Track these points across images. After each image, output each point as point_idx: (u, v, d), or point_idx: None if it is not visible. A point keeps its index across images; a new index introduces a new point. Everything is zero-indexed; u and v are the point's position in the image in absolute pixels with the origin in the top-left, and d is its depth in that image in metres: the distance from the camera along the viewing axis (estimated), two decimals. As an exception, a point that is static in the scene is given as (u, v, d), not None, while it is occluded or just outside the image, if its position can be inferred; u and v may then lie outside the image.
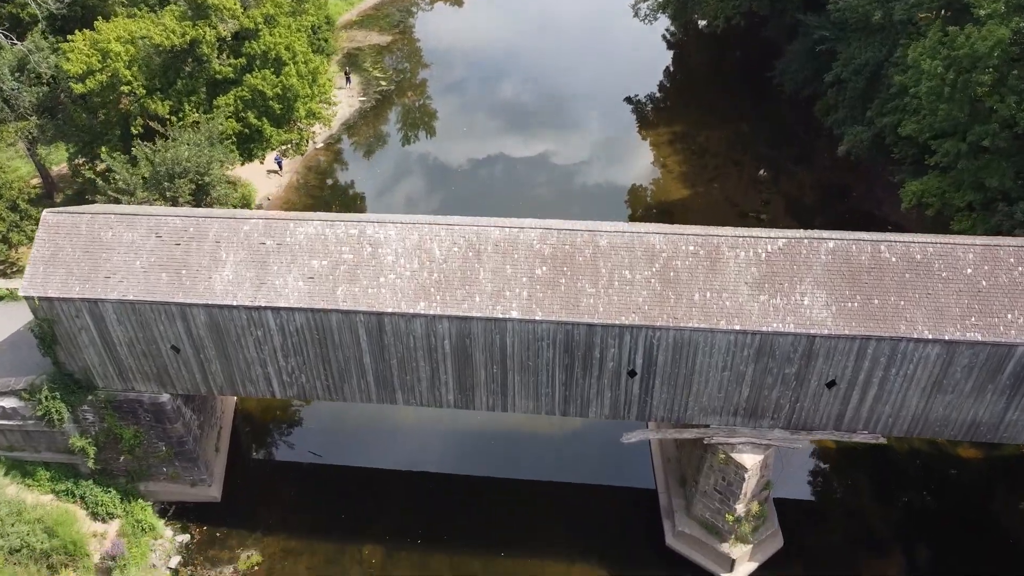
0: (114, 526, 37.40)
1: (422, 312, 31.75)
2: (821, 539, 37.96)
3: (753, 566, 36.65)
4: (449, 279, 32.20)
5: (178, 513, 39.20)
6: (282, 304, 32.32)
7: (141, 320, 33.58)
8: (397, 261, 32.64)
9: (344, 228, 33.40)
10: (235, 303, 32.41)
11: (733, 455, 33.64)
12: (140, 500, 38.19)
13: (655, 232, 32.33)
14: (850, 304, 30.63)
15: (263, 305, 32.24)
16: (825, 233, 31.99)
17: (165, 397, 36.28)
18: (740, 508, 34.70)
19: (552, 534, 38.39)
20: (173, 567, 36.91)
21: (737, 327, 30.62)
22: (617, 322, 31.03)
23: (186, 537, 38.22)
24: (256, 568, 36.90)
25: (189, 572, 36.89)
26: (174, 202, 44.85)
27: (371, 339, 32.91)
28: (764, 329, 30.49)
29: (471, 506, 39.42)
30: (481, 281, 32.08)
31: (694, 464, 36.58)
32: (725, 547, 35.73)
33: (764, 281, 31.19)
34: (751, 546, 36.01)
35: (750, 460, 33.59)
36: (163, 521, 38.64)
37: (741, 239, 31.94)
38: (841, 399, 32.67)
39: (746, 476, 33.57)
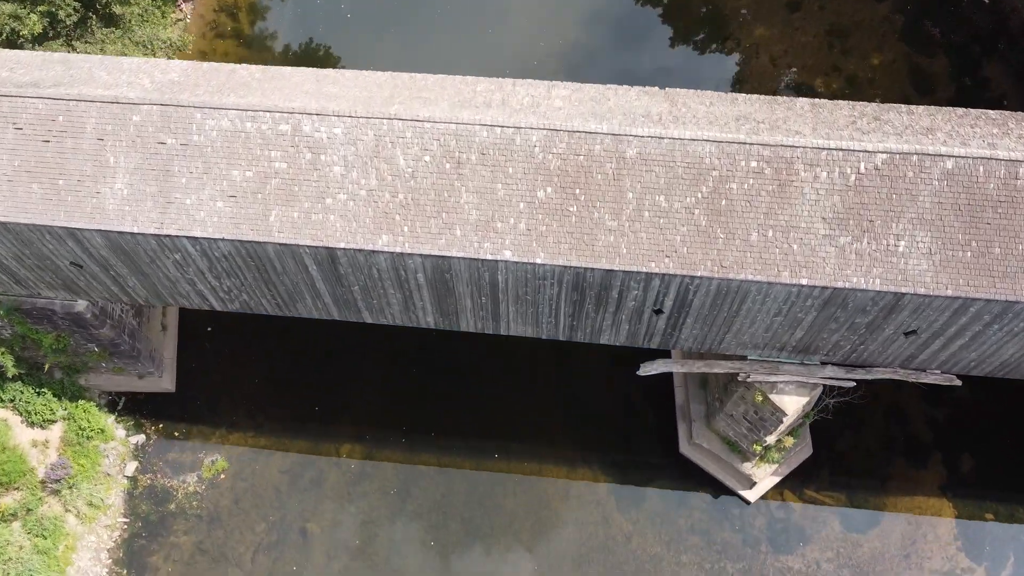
0: (56, 431, 33.01)
1: (384, 249, 23.90)
2: (855, 443, 33.77)
3: (775, 480, 32.90)
4: (419, 202, 23.74)
5: (129, 407, 34.60)
6: (198, 233, 24.27)
7: (21, 239, 25.75)
8: (347, 175, 23.87)
9: (271, 123, 24.00)
10: (136, 230, 24.39)
11: (772, 396, 27.90)
12: (82, 400, 33.31)
13: (705, 139, 23.10)
14: (961, 253, 22.64)
15: (174, 234, 24.24)
16: (944, 147, 22.84)
17: (81, 305, 29.59)
18: (771, 439, 29.87)
19: (551, 428, 34.19)
20: (130, 475, 33.22)
21: (804, 281, 23.03)
22: (644, 269, 23.37)
23: (141, 437, 34.02)
24: (222, 476, 33.27)
25: (148, 480, 33.29)
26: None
27: (323, 269, 25.37)
28: (839, 285, 22.95)
29: (461, 397, 34.72)
30: (463, 206, 23.67)
31: (720, 381, 31.02)
32: (747, 467, 31.62)
33: (848, 216, 22.80)
34: (776, 466, 31.93)
35: (792, 404, 27.91)
36: (113, 417, 34.20)
37: (825, 153, 22.87)
38: (919, 345, 26.08)
39: (784, 420, 28.21)
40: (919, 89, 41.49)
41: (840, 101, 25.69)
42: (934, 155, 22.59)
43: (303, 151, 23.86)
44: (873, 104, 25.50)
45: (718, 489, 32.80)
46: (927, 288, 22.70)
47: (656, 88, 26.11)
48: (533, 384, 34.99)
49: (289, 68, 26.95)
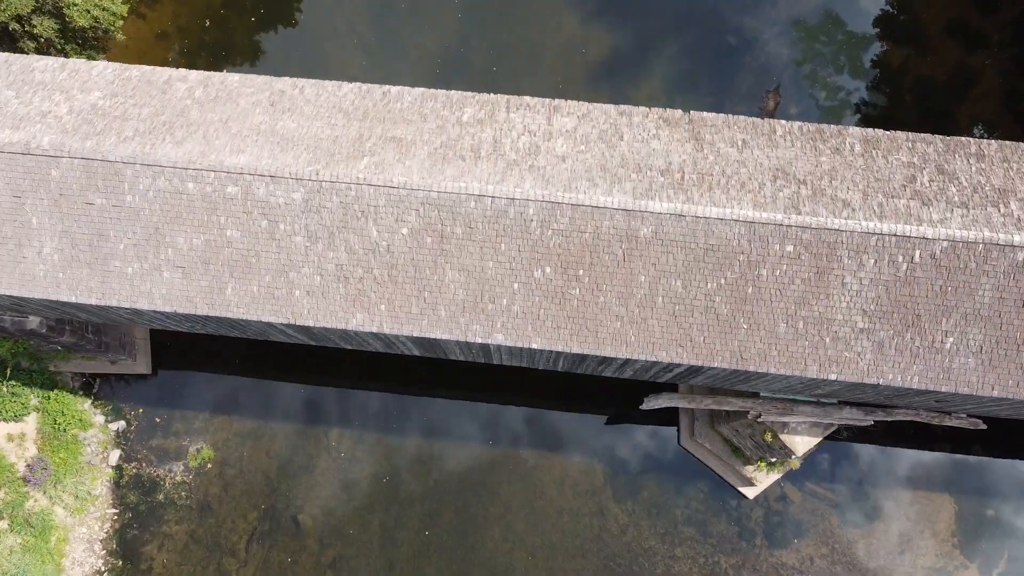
0: (31, 422, 31.58)
1: (360, 329, 20.92)
2: (858, 435, 32.45)
3: (776, 477, 31.95)
4: (397, 279, 20.41)
5: (106, 391, 32.86)
6: (144, 306, 21.13)
7: (-53, 291, 22.65)
8: (312, 247, 20.30)
9: (217, 184, 20.00)
10: (73, 300, 21.24)
11: (783, 435, 26.10)
12: (55, 389, 31.55)
13: (734, 219, 19.33)
14: (1017, 353, 19.80)
15: (115, 305, 21.11)
16: (1018, 233, 19.11)
17: (34, 322, 26.86)
18: (776, 459, 28.51)
19: (547, 414, 32.78)
20: (114, 464, 32.22)
21: (833, 376, 20.38)
22: (654, 358, 20.58)
23: (121, 424, 32.61)
24: (209, 465, 32.32)
25: (134, 469, 32.36)
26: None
27: (294, 329, 22.49)
28: (872, 381, 20.32)
29: (454, 383, 32.89)
30: (447, 285, 20.38)
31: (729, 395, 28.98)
32: (749, 470, 30.56)
33: (893, 310, 19.69)
34: (779, 474, 30.83)
35: (804, 445, 26.18)
36: (90, 402, 32.60)
37: (875, 239, 19.24)
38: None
39: (793, 457, 26.62)
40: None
41: (898, 135, 21.42)
42: (1004, 245, 19.07)
43: (257, 219, 20.16)
44: (937, 142, 21.27)
45: (716, 481, 32.09)
46: (971, 388, 20.16)
47: (679, 113, 21.71)
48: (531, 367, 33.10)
49: (237, 78, 22.26)
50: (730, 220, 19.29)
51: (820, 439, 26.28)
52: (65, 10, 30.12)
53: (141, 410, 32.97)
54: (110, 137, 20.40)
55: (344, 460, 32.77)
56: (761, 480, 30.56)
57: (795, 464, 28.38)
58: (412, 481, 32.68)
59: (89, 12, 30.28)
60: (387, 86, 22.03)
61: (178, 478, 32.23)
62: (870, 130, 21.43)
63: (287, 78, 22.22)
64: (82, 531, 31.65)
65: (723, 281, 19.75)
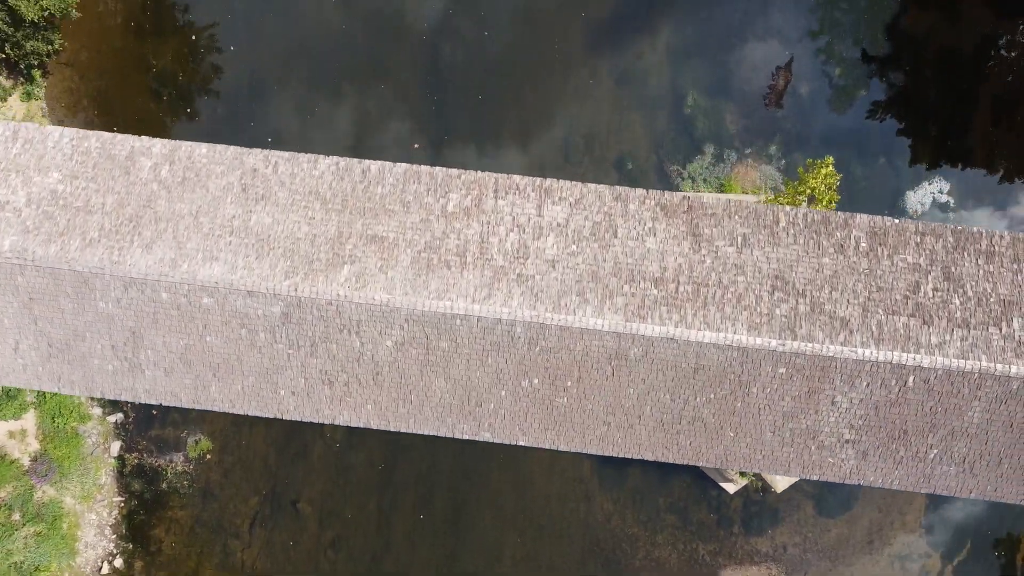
0: (31, 418, 32.11)
1: (347, 424, 20.83)
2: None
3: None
4: (382, 383, 20.06)
5: (99, 382, 33.16)
6: (127, 398, 20.92)
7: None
8: (294, 354, 19.75)
9: (190, 295, 19.07)
10: (56, 390, 20.95)
11: (764, 475, 26.76)
12: (48, 387, 31.79)
13: (727, 344, 18.69)
14: (998, 465, 19.94)
15: (99, 396, 20.90)
16: (1015, 362, 18.58)
17: (19, 354, 26.59)
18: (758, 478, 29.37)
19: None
20: (116, 455, 33.10)
21: (815, 476, 20.62)
22: (639, 456, 20.71)
23: (119, 416, 33.12)
24: (208, 455, 33.20)
25: (135, 459, 33.25)
26: None
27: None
28: (854, 482, 20.60)
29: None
30: (433, 390, 20.07)
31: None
32: (730, 472, 31.52)
33: (880, 425, 19.58)
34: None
35: (784, 483, 26.90)
36: (85, 395, 32.99)
37: (870, 365, 18.75)
38: (927, 465, 24.27)
39: (772, 491, 27.42)
40: None
41: (907, 226, 20.28)
42: (1000, 376, 18.67)
43: (236, 328, 19.50)
44: (947, 235, 20.16)
45: (699, 473, 33.27)
46: (949, 491, 20.56)
47: (677, 198, 20.40)
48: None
49: (204, 150, 20.58)
50: (723, 346, 18.75)
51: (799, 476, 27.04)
52: (11, 2, 27.30)
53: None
54: (74, 239, 19.27)
55: (339, 448, 33.77)
56: (741, 481, 31.74)
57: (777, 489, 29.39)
58: (406, 467, 33.88)
59: (38, 2, 27.46)
60: (367, 162, 20.52)
61: (179, 468, 33.33)
62: (877, 219, 20.31)
63: (258, 151, 20.62)
64: (91, 517, 33.17)
65: (712, 396, 19.53)
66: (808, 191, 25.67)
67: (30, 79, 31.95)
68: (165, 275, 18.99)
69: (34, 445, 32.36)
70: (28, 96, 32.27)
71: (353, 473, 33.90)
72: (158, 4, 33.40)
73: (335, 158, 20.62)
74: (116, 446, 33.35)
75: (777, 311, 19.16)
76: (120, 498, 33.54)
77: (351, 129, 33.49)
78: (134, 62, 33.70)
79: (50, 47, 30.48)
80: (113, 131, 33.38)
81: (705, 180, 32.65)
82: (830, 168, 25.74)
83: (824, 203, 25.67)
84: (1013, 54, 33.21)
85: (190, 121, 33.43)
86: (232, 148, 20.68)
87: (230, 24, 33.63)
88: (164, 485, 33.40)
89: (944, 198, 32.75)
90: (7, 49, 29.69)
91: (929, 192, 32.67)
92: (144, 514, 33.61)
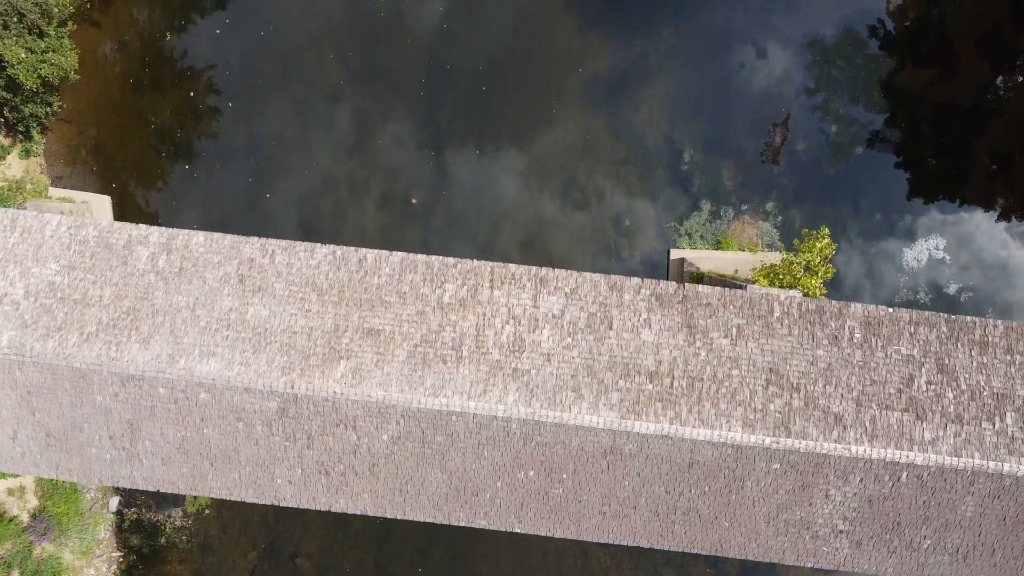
0: (30, 476, 32.22)
1: (344, 511, 20.95)
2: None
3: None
4: (379, 474, 20.15)
5: (98, 437, 33.29)
6: (124, 484, 21.05)
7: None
8: (291, 446, 19.84)
9: (187, 389, 19.16)
10: (50, 476, 21.08)
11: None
12: (46, 444, 31.91)
13: (722, 441, 18.78)
14: (991, 556, 20.02)
15: (97, 484, 21.01)
16: (1008, 460, 18.67)
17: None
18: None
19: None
20: (115, 509, 33.21)
21: (809, 564, 20.71)
22: (634, 544, 20.81)
23: (117, 470, 33.30)
24: (207, 511, 33.31)
25: (134, 514, 33.36)
26: None
27: (277, 486, 22.52)
28: (847, 570, 20.68)
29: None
30: (429, 481, 20.17)
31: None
32: (727, 528, 31.63)
33: (875, 517, 19.67)
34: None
35: (780, 551, 26.94)
36: (84, 449, 33.07)
37: (863, 463, 18.83)
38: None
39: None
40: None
41: (901, 315, 20.35)
42: (992, 473, 18.75)
43: (233, 421, 19.61)
44: (941, 324, 20.24)
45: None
46: (943, 578, 20.65)
47: (672, 287, 20.50)
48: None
49: (201, 239, 20.69)
50: (718, 443, 18.84)
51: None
52: (9, 70, 27.41)
53: (136, 457, 33.57)
54: (72, 334, 19.38)
55: (337, 502, 33.81)
56: (738, 539, 31.82)
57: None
58: (404, 522, 33.83)
59: (36, 71, 27.55)
60: (363, 251, 20.63)
61: (178, 522, 33.43)
62: (872, 308, 20.41)
63: (255, 240, 20.72)
64: (90, 572, 33.26)
65: (707, 489, 19.62)
66: (804, 263, 25.75)
67: (29, 137, 32.05)
68: (162, 371, 19.09)
69: (33, 502, 32.45)
70: (27, 153, 32.36)
71: (351, 527, 33.99)
72: (156, 60, 33.46)
73: (331, 247, 20.72)
74: (115, 501, 33.43)
75: (771, 406, 19.25)
76: (119, 553, 33.63)
77: (352, 129, 33.33)
78: (133, 118, 33.77)
79: (49, 109, 30.58)
80: (112, 187, 33.93)
81: (702, 236, 32.74)
82: (826, 240, 25.83)
83: (820, 275, 25.74)
84: (1009, 104, 33.30)
85: (189, 177, 33.52)
86: (229, 237, 20.79)
87: (228, 79, 33.69)
88: (163, 540, 33.48)
89: (940, 254, 32.83)
90: (5, 112, 29.82)
91: (925, 248, 32.74)
92: (143, 568, 33.69)
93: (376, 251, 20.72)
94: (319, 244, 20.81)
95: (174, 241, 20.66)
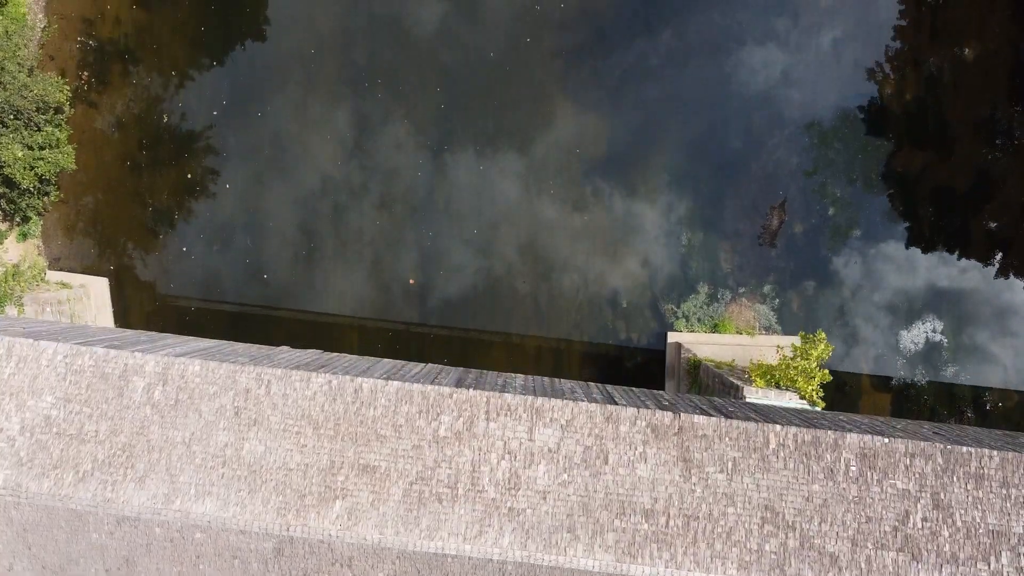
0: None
1: (339, 642, 20.96)
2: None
3: None
4: (375, 608, 20.16)
5: None
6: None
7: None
8: (287, 583, 19.87)
9: (183, 529, 19.17)
10: None
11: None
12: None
13: (717, 584, 18.81)
14: None
15: (95, 614, 20.99)
16: (1004, 609, 18.73)
17: None
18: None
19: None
20: None
21: None
22: (631, 674, 20.81)
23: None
24: None
25: None
26: None
27: None
28: None
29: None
30: (426, 615, 20.18)
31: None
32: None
33: (871, 654, 19.67)
34: None
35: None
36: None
37: (859, 606, 18.85)
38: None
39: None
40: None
41: (897, 447, 20.36)
42: (989, 618, 18.77)
43: (229, 559, 19.59)
44: (937, 456, 20.24)
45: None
46: None
47: (668, 418, 20.49)
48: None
49: (197, 368, 20.70)
50: (713, 586, 18.87)
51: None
52: (7, 170, 27.46)
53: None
54: (67, 473, 19.40)
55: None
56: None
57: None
58: None
59: (33, 170, 27.61)
60: (359, 380, 20.64)
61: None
62: (867, 439, 20.40)
63: (251, 369, 20.74)
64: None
65: (703, 626, 19.61)
66: (801, 368, 25.78)
67: (26, 220, 32.12)
68: (158, 513, 19.10)
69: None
70: (24, 236, 32.44)
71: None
72: (154, 141, 33.52)
73: (327, 376, 20.74)
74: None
75: (767, 547, 19.26)
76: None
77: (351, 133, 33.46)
78: (130, 198, 33.85)
79: (46, 198, 30.66)
80: (110, 268, 33.92)
81: (699, 319, 32.79)
82: (823, 344, 25.88)
83: (817, 379, 25.78)
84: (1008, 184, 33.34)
85: (187, 258, 33.56)
86: (225, 366, 20.80)
87: (225, 160, 33.75)
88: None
89: (937, 337, 32.87)
90: (3, 204, 29.89)
91: (923, 331, 32.78)
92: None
93: (372, 380, 20.73)
94: (314, 373, 20.82)
95: (170, 371, 20.67)
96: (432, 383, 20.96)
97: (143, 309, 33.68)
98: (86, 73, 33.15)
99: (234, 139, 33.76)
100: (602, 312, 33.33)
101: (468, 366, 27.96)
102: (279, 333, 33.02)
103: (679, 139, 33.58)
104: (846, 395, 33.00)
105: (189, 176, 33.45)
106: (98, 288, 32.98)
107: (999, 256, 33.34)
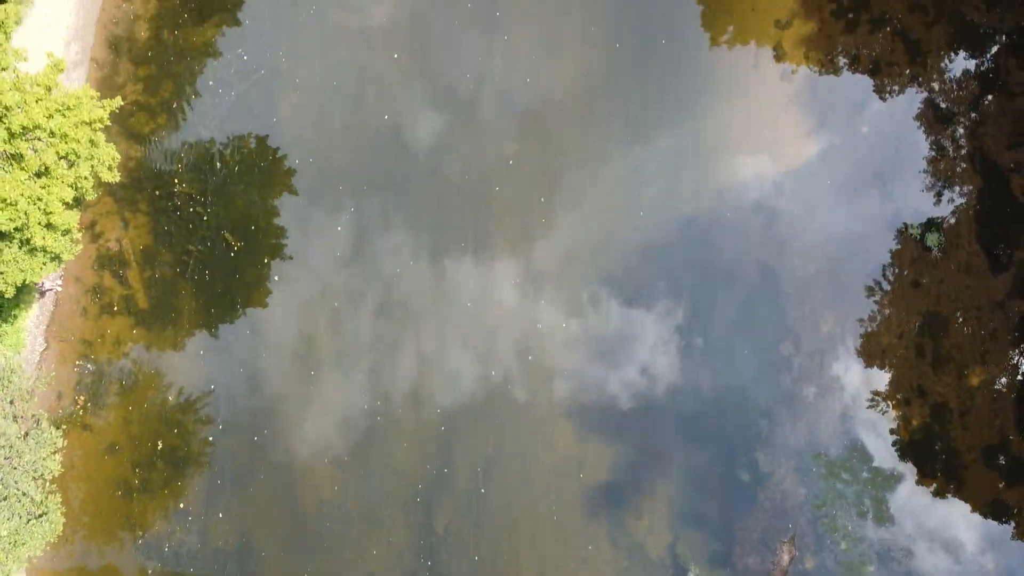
0: None
1: None
2: None
3: None
4: None
5: None
6: None
7: None
8: None
9: None
10: None
11: None
12: None
13: None
14: None
15: None
16: None
17: None
18: None
19: None
20: None
21: None
22: None
23: None
24: None
25: None
26: None
27: None
28: None
29: None
30: None
31: None
32: None
33: None
34: None
35: None
36: None
37: None
38: None
39: None
40: None
41: None
42: None
43: None
44: None
45: None
46: None
47: None
48: None
49: None
50: None
51: None
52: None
53: None
54: None
55: None
56: None
57: None
58: None
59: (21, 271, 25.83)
60: None
61: None
62: None
63: None
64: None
65: None
66: None
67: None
68: None
69: None
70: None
71: None
72: (147, 468, 32.78)
73: None
74: None
75: None
76: None
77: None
78: (119, 524, 32.82)
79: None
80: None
81: (713, 667, 31.18)
82: None
83: None
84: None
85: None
86: None
87: (219, 488, 32.81)
88: None
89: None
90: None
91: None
92: None
93: None
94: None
95: None
96: None
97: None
98: (82, 397, 32.77)
99: (229, 464, 33.03)
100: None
101: None
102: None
103: (682, 468, 32.75)
104: None
105: (182, 505, 32.53)
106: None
107: None
